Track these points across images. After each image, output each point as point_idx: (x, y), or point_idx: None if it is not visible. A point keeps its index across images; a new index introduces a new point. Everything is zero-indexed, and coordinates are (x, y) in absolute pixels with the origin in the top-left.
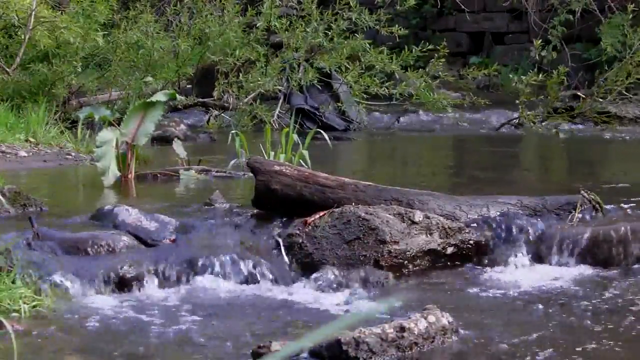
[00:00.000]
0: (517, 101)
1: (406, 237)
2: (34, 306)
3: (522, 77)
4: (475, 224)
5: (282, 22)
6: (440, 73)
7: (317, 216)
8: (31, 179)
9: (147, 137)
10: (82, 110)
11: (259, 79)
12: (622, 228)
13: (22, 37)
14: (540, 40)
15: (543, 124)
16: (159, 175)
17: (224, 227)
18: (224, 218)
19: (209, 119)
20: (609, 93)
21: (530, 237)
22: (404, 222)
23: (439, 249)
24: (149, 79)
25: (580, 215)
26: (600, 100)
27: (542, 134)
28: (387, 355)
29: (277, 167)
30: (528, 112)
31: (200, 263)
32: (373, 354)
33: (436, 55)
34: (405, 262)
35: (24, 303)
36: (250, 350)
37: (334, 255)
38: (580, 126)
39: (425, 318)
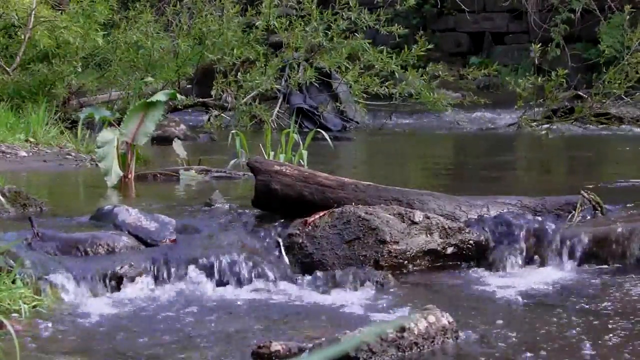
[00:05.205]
0: (516, 106)
1: (406, 237)
2: (34, 306)
3: (519, 80)
4: (475, 224)
5: (282, 22)
6: (440, 73)
7: (317, 216)
8: (31, 179)
9: (147, 137)
10: (82, 110)
11: (258, 78)
12: (622, 228)
13: (22, 37)
14: (540, 44)
15: (543, 127)
16: (159, 175)
17: (224, 227)
18: (224, 218)
19: (209, 119)
20: (607, 97)
21: (530, 237)
22: (404, 222)
23: (439, 249)
24: (149, 79)
25: (580, 216)
26: (602, 102)
27: (541, 134)
28: (387, 356)
29: (277, 167)
30: (527, 113)
31: (200, 263)
32: (373, 354)
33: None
34: (405, 262)
35: (24, 303)
36: (251, 350)
37: (334, 255)
38: (581, 128)
39: (425, 318)
